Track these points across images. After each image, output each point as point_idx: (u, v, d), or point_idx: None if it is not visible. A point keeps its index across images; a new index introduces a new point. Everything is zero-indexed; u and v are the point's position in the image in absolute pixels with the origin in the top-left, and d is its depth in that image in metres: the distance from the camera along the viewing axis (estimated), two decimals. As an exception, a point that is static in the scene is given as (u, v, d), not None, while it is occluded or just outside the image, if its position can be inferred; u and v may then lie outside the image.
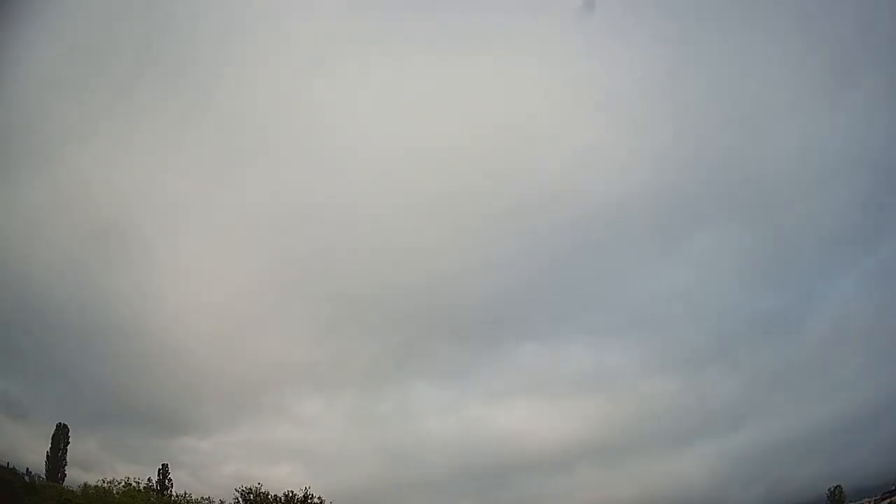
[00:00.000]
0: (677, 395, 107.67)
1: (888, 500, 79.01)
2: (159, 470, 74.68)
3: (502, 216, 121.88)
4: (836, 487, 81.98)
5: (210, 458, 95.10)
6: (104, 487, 63.09)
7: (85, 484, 66.22)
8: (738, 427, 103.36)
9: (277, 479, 78.24)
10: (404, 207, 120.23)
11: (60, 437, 79.48)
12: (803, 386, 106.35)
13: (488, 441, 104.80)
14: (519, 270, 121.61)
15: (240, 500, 66.89)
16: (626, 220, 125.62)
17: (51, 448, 78.72)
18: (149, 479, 71.10)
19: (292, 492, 67.82)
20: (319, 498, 68.11)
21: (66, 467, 78.86)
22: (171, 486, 73.96)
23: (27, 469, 76.72)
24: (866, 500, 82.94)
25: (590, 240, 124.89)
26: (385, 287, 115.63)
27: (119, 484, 63.60)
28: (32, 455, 79.23)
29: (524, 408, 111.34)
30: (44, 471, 77.26)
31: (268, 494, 67.43)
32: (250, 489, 67.10)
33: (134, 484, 65.05)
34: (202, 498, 70.07)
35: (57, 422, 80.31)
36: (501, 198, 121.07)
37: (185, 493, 71.65)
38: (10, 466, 71.07)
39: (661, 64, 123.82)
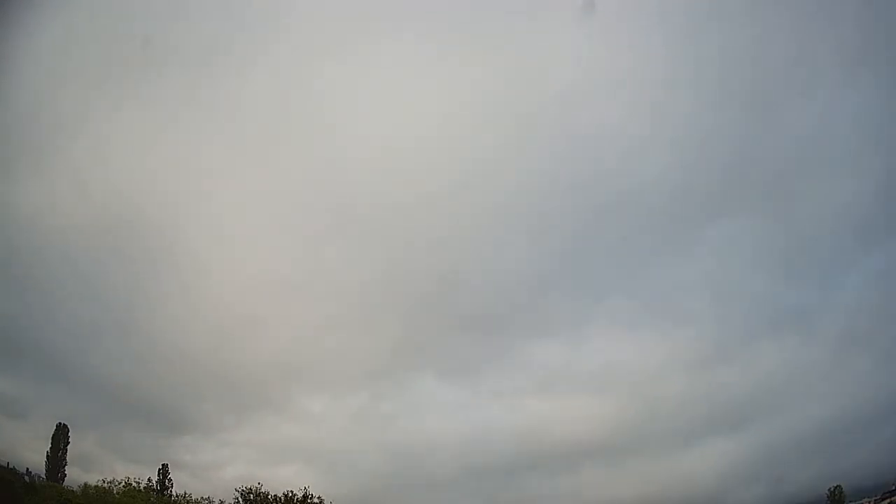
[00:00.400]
0: (684, 394, 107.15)
1: (888, 500, 78.94)
2: (159, 470, 74.88)
3: (515, 209, 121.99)
4: (836, 487, 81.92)
5: (213, 458, 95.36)
6: (104, 487, 63.23)
7: (85, 484, 66.42)
8: (739, 427, 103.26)
9: (282, 479, 78.51)
10: (411, 201, 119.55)
11: (60, 436, 79.61)
12: (804, 386, 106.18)
13: (495, 440, 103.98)
14: (531, 264, 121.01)
15: (240, 500, 67.02)
16: (638, 214, 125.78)
17: (51, 448, 78.86)
18: (149, 479, 71.42)
19: (292, 491, 67.91)
20: (319, 498, 68.23)
21: (66, 467, 79.10)
22: (171, 486, 74.21)
23: (27, 469, 77.05)
24: (866, 500, 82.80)
25: (604, 231, 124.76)
26: (392, 282, 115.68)
27: (119, 484, 63.85)
28: (32, 455, 79.58)
29: (532, 407, 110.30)
30: (44, 471, 77.40)
31: (267, 494, 67.52)
32: (250, 489, 67.24)
33: (134, 484, 65.24)
34: (202, 498, 70.37)
35: (57, 422, 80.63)
36: (517, 190, 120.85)
37: (185, 493, 71.96)
38: (10, 466, 71.32)
39: (671, 54, 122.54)
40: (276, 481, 72.55)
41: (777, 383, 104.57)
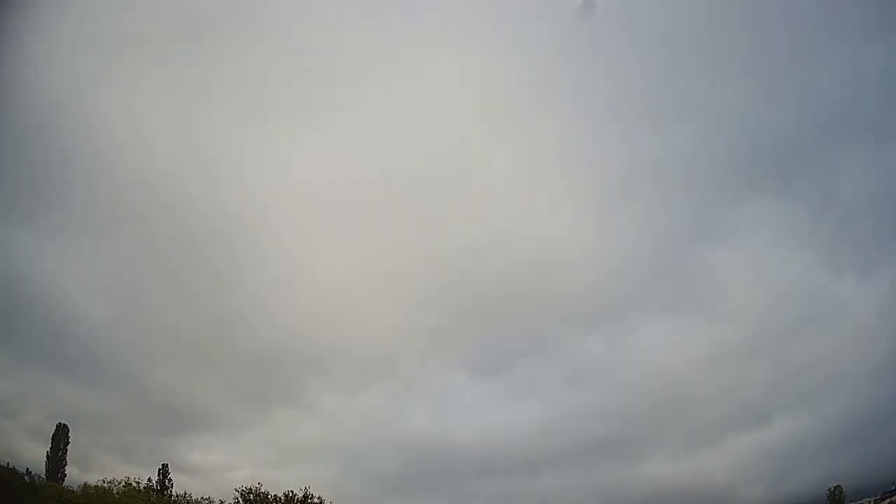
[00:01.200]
0: (706, 390, 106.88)
1: (888, 500, 79.01)
2: (159, 470, 74.84)
3: (534, 191, 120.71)
4: (836, 487, 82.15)
5: (220, 458, 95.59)
6: (104, 487, 63.32)
7: (85, 484, 66.47)
8: (746, 427, 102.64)
9: (290, 480, 78.05)
10: (429, 184, 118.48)
11: (60, 437, 79.70)
12: (805, 386, 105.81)
13: (514, 437, 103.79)
14: (554, 251, 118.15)
15: (239, 500, 66.99)
16: (666, 198, 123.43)
17: (51, 448, 78.99)
18: (149, 479, 71.40)
19: (292, 491, 67.91)
20: (319, 498, 68.25)
21: (65, 467, 79.22)
22: (171, 486, 74.15)
23: (27, 469, 77.13)
24: (866, 500, 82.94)
25: (631, 216, 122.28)
26: (411, 271, 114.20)
27: (119, 484, 63.92)
28: (32, 455, 79.64)
29: (550, 404, 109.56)
30: (44, 471, 77.50)
31: (267, 494, 67.50)
32: (250, 489, 67.23)
33: (134, 484, 65.28)
34: (202, 498, 70.36)
35: (57, 422, 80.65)
36: (543, 168, 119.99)
37: (185, 493, 71.98)
38: (10, 466, 71.47)
39: (698, 24, 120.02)
40: (285, 481, 72.91)
41: (793, 382, 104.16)
